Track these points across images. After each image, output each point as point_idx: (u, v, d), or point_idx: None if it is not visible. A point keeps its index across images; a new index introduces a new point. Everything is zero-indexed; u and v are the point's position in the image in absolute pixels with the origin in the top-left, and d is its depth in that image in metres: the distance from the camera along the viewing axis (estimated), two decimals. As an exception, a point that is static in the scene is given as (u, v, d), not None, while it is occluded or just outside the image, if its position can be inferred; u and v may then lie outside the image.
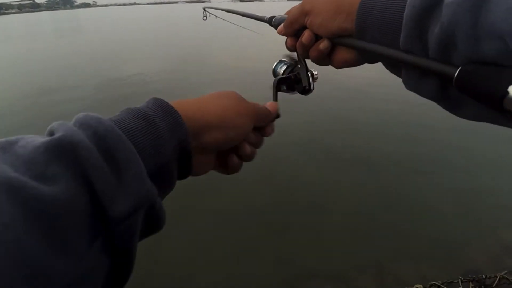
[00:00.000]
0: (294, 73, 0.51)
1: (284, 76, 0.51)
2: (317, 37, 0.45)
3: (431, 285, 1.25)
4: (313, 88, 0.52)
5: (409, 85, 0.37)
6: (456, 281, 1.27)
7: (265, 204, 2.57)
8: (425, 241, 2.15)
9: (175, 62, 8.18)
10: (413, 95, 0.39)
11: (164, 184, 0.31)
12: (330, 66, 0.49)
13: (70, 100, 5.31)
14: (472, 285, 1.23)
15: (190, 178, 0.36)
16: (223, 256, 2.10)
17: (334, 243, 2.17)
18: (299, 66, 0.51)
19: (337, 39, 0.43)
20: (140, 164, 0.26)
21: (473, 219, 2.35)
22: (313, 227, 2.32)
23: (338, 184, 2.83)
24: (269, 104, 0.46)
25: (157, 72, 7.08)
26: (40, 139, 0.24)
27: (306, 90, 0.51)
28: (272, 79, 0.52)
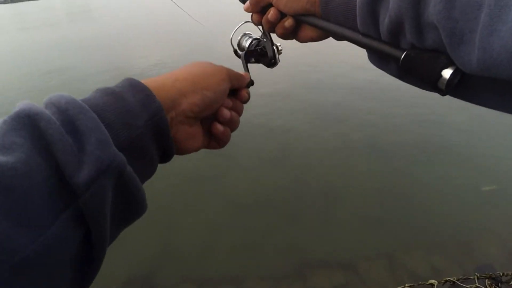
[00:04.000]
0: (260, 46, 0.54)
1: (251, 49, 0.54)
2: (282, 15, 0.48)
3: (446, 281, 1.24)
4: (279, 61, 0.54)
5: (374, 62, 0.41)
6: (472, 277, 1.25)
7: (276, 192, 2.58)
8: (439, 233, 2.12)
9: (194, 48, 8.08)
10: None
11: (140, 159, 0.30)
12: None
13: (84, 87, 5.37)
14: (489, 282, 1.22)
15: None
16: (233, 243, 2.13)
17: (345, 232, 2.17)
18: (264, 40, 0.53)
19: (301, 18, 0.46)
20: (103, 132, 0.25)
21: (488, 210, 2.30)
22: (324, 215, 2.33)
23: (350, 172, 2.81)
24: (241, 73, 0.47)
25: (177, 60, 6.95)
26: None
27: (272, 63, 0.54)
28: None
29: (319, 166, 2.91)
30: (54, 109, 0.25)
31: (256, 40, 0.54)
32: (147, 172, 0.32)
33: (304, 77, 5.09)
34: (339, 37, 0.43)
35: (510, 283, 1.25)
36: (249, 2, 0.50)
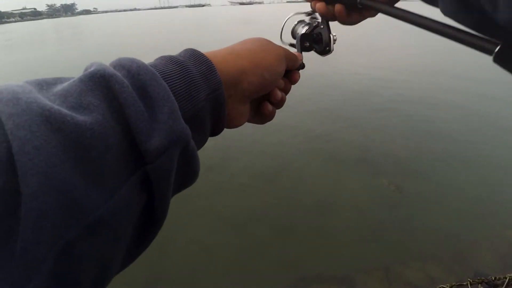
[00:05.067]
0: (316, 32, 0.52)
1: (307, 33, 0.52)
2: (334, 2, 0.47)
3: (440, 288, 1.24)
4: (333, 50, 0.52)
5: (447, 12, 0.35)
6: (465, 283, 1.26)
7: (269, 206, 2.56)
8: (432, 242, 2.13)
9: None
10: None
11: (197, 131, 0.29)
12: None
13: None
14: (481, 287, 1.22)
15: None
16: (228, 259, 2.09)
17: (340, 246, 2.16)
18: (321, 26, 0.52)
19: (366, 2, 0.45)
20: (173, 102, 0.25)
21: (480, 218, 2.33)
22: (319, 230, 2.31)
23: (343, 185, 2.81)
24: (294, 52, 0.46)
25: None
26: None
27: (326, 51, 0.52)
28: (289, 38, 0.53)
29: (312, 181, 2.91)
30: (124, 72, 0.25)
31: (311, 27, 0.53)
32: (200, 144, 0.32)
33: (296, 91, 5.16)
34: (409, 22, 0.40)
35: (503, 287, 1.25)
36: None
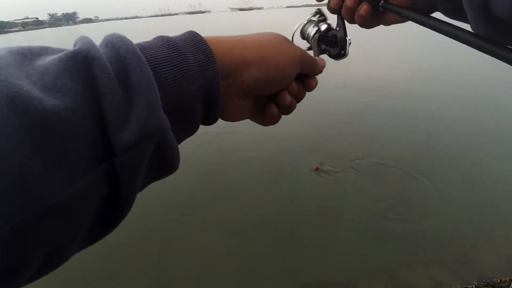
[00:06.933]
0: (331, 35, 0.48)
1: (324, 34, 0.48)
2: (360, 0, 0.44)
3: (445, 292, 1.23)
4: (348, 54, 0.49)
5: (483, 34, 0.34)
6: (470, 286, 1.24)
7: (271, 214, 2.55)
8: (436, 245, 2.11)
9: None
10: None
11: (183, 121, 0.28)
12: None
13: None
14: (487, 289, 1.21)
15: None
16: (230, 268, 2.08)
17: (343, 251, 2.14)
18: (337, 29, 0.48)
19: (386, 5, 0.42)
20: (154, 93, 0.24)
21: (484, 220, 2.31)
22: (321, 235, 2.29)
23: (344, 189, 2.80)
24: (316, 57, 0.42)
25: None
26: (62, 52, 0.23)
27: (341, 55, 0.49)
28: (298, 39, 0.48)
29: (313, 186, 2.90)
30: (112, 53, 0.24)
31: (325, 28, 0.48)
32: (187, 133, 0.31)
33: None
34: (428, 8, 0.39)
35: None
36: None
